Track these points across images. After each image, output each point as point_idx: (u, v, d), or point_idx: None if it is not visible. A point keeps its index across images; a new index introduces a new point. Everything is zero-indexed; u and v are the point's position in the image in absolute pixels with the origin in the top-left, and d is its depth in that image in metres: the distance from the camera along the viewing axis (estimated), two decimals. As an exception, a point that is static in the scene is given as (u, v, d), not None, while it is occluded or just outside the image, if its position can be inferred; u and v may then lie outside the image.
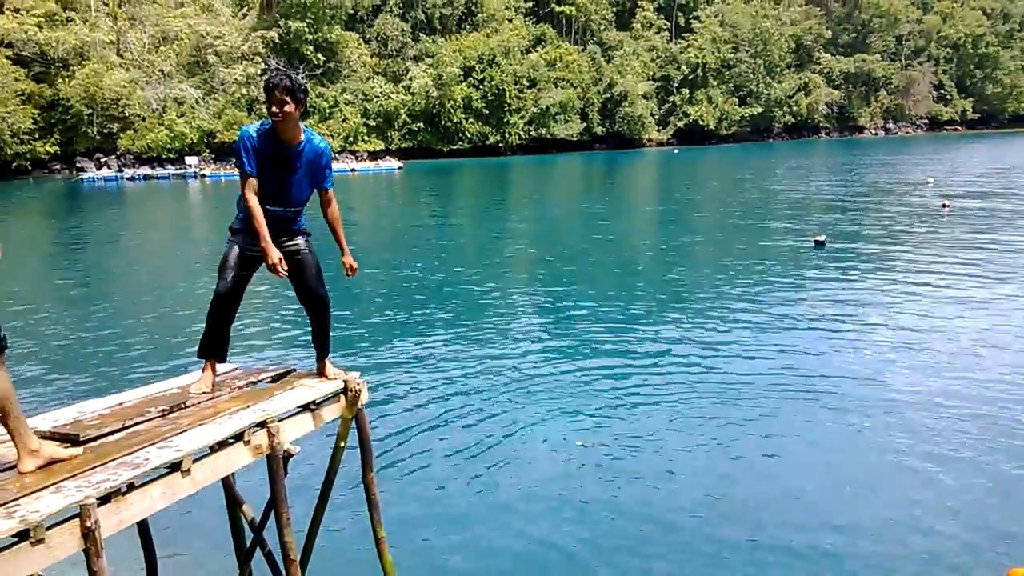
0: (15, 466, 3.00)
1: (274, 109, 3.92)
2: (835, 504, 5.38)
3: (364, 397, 4.38)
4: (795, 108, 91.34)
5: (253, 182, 4.01)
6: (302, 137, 4.08)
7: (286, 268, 4.00)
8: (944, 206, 22.01)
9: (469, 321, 10.64)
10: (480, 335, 9.84)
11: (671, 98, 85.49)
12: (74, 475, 2.93)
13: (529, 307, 11.69)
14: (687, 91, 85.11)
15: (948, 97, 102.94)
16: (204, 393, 4.01)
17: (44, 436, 3.21)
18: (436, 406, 7.33)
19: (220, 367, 4.42)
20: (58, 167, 53.79)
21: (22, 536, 2.53)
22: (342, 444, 4.40)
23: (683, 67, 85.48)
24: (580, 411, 7.20)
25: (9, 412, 2.93)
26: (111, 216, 28.56)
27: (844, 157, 53.25)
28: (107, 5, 59.90)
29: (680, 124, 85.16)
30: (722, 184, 34.27)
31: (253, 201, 3.99)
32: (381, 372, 8.28)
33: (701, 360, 8.50)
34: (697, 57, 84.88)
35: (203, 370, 4.15)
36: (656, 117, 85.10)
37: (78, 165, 53.26)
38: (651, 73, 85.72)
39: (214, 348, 4.15)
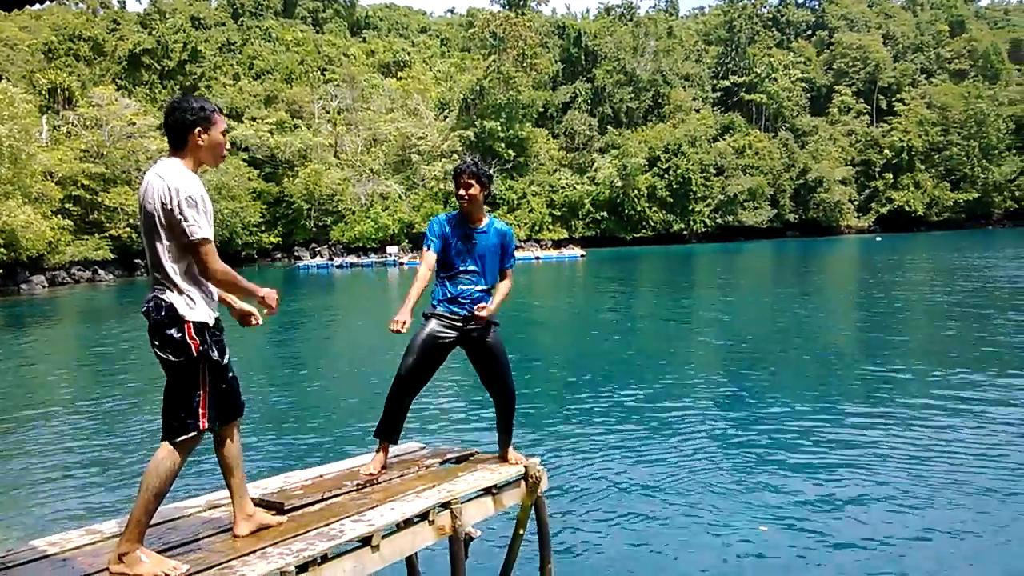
0: (229, 529, 3.28)
1: (461, 192, 4.26)
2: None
3: (544, 484, 4.37)
4: (1018, 193, 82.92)
5: (429, 256, 4.29)
6: (486, 220, 4.41)
7: (402, 330, 4.04)
8: None
9: (651, 409, 10.37)
10: (661, 424, 9.55)
11: (872, 183, 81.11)
12: (278, 542, 3.14)
13: (712, 395, 11.21)
14: (891, 176, 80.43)
15: None
16: (371, 475, 4.13)
17: (253, 502, 3.49)
18: (616, 495, 7.13)
19: (412, 445, 4.61)
20: (279, 255, 60.23)
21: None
22: (521, 531, 4.39)
23: (886, 151, 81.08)
24: (765, 501, 6.75)
25: (234, 473, 3.25)
26: (321, 300, 31.31)
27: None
28: (328, 113, 67.60)
29: (883, 210, 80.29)
30: (936, 274, 31.50)
31: (422, 271, 4.27)
32: (561, 459, 8.22)
33: (898, 453, 7.66)
34: (902, 140, 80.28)
35: (376, 451, 4.33)
36: (856, 203, 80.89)
37: (295, 254, 59.39)
38: (850, 158, 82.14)
39: (388, 430, 4.33)
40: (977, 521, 6.36)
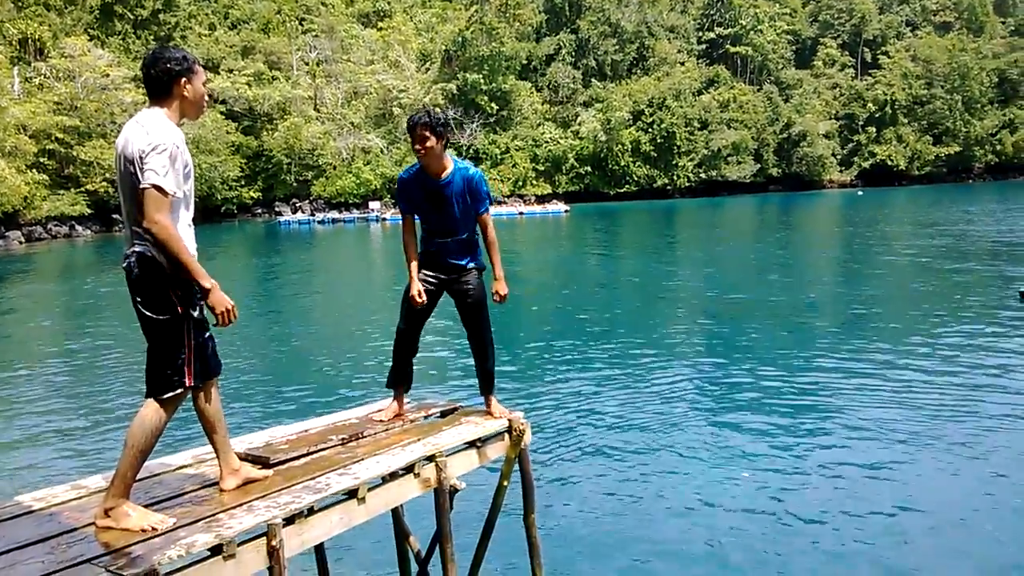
0: (216, 483, 3.30)
1: (416, 146, 4.19)
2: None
3: (528, 437, 4.42)
4: (999, 147, 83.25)
5: (407, 220, 4.37)
6: (450, 168, 4.26)
7: (422, 301, 4.26)
8: None
9: (634, 362, 10.49)
10: (646, 375, 9.68)
11: (856, 137, 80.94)
12: (264, 495, 3.16)
13: (694, 347, 11.36)
14: (874, 130, 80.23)
15: None
16: (380, 422, 4.27)
17: (239, 457, 3.51)
18: (600, 447, 7.25)
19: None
20: (260, 211, 59.47)
21: (215, 550, 2.75)
22: (505, 483, 4.44)
23: (869, 104, 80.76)
24: (746, 450, 6.91)
25: (217, 430, 3.25)
26: (303, 255, 31.10)
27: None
28: (307, 64, 66.17)
29: (865, 164, 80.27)
30: (915, 228, 31.76)
31: (406, 237, 4.34)
32: (544, 412, 8.32)
33: (875, 411, 7.82)
34: (885, 94, 79.92)
35: (392, 399, 4.47)
36: (838, 157, 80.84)
37: (276, 209, 58.63)
38: (833, 112, 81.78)
39: (397, 378, 4.47)
40: (954, 464, 6.54)
